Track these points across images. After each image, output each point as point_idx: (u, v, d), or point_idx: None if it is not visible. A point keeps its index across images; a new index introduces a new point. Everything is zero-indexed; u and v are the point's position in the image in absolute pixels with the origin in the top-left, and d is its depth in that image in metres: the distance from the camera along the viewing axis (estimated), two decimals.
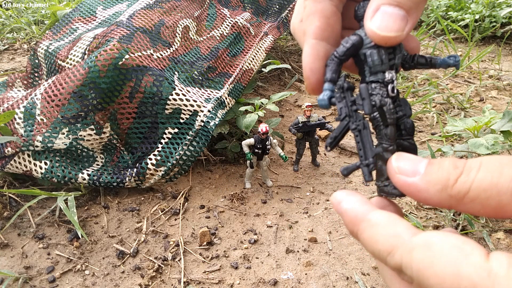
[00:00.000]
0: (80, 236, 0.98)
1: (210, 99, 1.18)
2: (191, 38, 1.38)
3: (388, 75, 0.34)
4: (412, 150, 0.36)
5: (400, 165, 0.30)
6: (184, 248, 0.98)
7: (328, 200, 1.15)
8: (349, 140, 1.42)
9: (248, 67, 1.40)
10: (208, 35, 1.45)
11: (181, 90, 1.14)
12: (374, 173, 0.34)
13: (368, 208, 0.30)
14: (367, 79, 0.35)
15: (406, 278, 0.27)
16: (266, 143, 1.14)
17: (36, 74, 1.43)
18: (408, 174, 0.29)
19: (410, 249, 0.26)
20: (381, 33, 0.31)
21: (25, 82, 1.44)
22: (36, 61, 1.41)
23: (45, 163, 1.08)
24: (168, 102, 1.11)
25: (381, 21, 0.31)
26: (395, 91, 0.34)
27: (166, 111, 1.13)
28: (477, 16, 2.45)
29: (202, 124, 1.11)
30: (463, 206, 0.27)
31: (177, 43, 1.31)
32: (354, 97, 0.35)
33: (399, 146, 0.36)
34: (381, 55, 0.34)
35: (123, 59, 1.07)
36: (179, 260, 0.94)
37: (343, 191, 0.33)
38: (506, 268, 0.23)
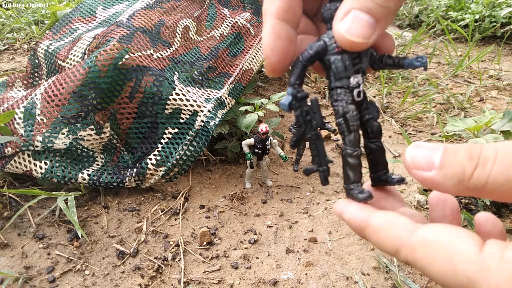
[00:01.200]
0: (80, 236, 0.98)
1: (210, 99, 1.18)
2: (191, 38, 1.38)
3: (353, 80, 0.34)
4: (378, 152, 0.37)
5: (415, 159, 0.30)
6: (184, 248, 0.98)
7: (328, 200, 1.15)
8: None
9: (248, 67, 1.40)
10: (208, 35, 1.45)
11: (181, 90, 1.14)
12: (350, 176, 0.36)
13: (367, 213, 0.32)
14: (332, 84, 0.35)
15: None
16: (266, 143, 1.14)
17: (36, 74, 1.43)
18: (424, 168, 0.29)
19: (411, 249, 0.28)
20: (348, 37, 0.31)
21: (25, 82, 1.44)
22: (36, 61, 1.41)
23: (45, 163, 1.08)
24: (168, 102, 1.11)
25: (349, 25, 0.31)
26: (361, 95, 0.35)
27: (166, 111, 1.13)
28: (477, 16, 2.45)
29: (202, 124, 1.11)
30: (482, 196, 0.28)
31: (177, 43, 1.31)
32: (308, 107, 0.36)
33: (367, 149, 0.37)
34: (345, 61, 0.34)
35: (123, 59, 1.07)
36: (179, 260, 0.94)
37: (343, 201, 0.34)
38: (498, 260, 0.24)
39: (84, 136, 1.10)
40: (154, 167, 1.10)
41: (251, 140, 1.14)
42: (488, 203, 1.06)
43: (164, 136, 1.14)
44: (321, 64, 0.36)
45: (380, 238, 0.30)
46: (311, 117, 0.36)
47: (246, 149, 1.14)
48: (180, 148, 1.11)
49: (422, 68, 0.34)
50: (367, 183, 0.38)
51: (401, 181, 0.37)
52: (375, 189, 0.37)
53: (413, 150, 0.31)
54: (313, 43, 0.34)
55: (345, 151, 0.35)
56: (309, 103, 0.36)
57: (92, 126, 1.10)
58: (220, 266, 0.92)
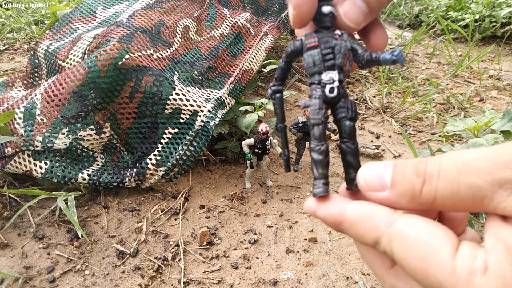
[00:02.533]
0: (80, 236, 0.98)
1: (210, 99, 1.18)
2: (191, 38, 1.38)
3: (325, 76, 0.34)
4: (349, 153, 0.36)
5: (368, 181, 0.30)
6: (184, 248, 0.98)
7: None
8: None
9: (248, 67, 1.40)
10: (208, 35, 1.45)
11: (181, 90, 1.14)
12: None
13: (341, 206, 0.31)
14: (308, 81, 0.36)
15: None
16: (266, 143, 1.14)
17: (36, 74, 1.43)
18: (377, 189, 0.29)
19: (389, 240, 0.27)
20: (345, 20, 0.33)
21: (25, 82, 1.44)
22: (36, 61, 1.41)
23: (45, 163, 1.08)
24: (168, 102, 1.11)
25: (348, 9, 0.33)
26: (335, 92, 0.34)
27: (166, 111, 1.13)
28: (477, 16, 2.45)
29: (202, 124, 1.11)
30: (436, 209, 0.29)
31: (177, 43, 1.31)
32: (276, 98, 0.38)
33: (340, 149, 0.37)
34: (313, 57, 0.34)
35: (123, 59, 1.07)
36: (179, 260, 0.94)
37: (312, 199, 0.33)
38: (468, 271, 0.24)
39: (84, 136, 1.10)
40: (154, 167, 1.10)
41: (251, 140, 1.14)
42: None
43: (164, 136, 1.14)
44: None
45: (358, 231, 0.29)
46: (277, 111, 0.38)
47: (246, 149, 1.14)
48: (180, 148, 1.11)
49: (399, 63, 0.33)
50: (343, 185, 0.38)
51: None
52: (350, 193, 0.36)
53: (365, 170, 0.31)
54: (293, 41, 0.35)
55: (310, 147, 0.35)
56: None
57: (92, 126, 1.10)
58: (220, 266, 0.92)
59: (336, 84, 0.34)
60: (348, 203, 0.31)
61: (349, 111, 0.35)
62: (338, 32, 0.35)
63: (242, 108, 1.24)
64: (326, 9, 0.34)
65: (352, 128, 0.36)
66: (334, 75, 0.34)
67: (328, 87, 0.34)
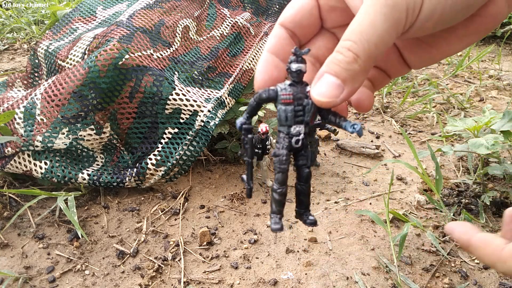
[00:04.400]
0: (80, 236, 0.98)
1: (210, 99, 1.18)
2: (191, 38, 1.38)
3: (293, 130, 0.39)
4: (303, 193, 0.44)
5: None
6: (184, 248, 0.98)
7: (328, 200, 1.15)
8: (348, 140, 1.42)
9: (248, 67, 1.40)
10: (208, 35, 1.45)
11: (181, 90, 1.14)
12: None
13: (469, 235, 0.43)
14: (278, 128, 0.41)
15: None
16: (266, 143, 1.14)
17: (36, 74, 1.43)
18: None
19: (504, 262, 0.39)
20: (319, 98, 0.35)
21: (25, 82, 1.44)
22: (36, 61, 1.41)
23: (45, 163, 1.08)
24: (168, 102, 1.11)
25: (320, 87, 0.35)
26: (300, 143, 0.40)
27: (166, 111, 1.13)
28: None
29: (202, 124, 1.11)
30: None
31: (177, 43, 1.31)
32: (247, 138, 0.42)
33: (296, 188, 0.45)
34: (287, 113, 0.39)
35: (123, 59, 1.07)
36: (179, 260, 0.94)
37: (452, 223, 0.47)
38: None
39: (84, 136, 1.10)
40: (154, 167, 1.10)
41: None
42: (488, 203, 1.06)
43: (164, 136, 1.14)
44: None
45: (480, 255, 0.42)
46: (247, 147, 0.43)
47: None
48: (180, 148, 1.11)
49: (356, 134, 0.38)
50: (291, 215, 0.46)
51: (313, 224, 0.43)
52: None
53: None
54: (269, 88, 0.39)
55: (272, 186, 0.42)
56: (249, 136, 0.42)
57: (92, 126, 1.10)
58: (220, 266, 0.92)
59: (301, 136, 0.40)
60: (475, 233, 0.43)
61: (308, 159, 0.42)
62: (308, 88, 0.38)
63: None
64: (294, 66, 0.38)
65: (309, 174, 0.43)
66: (301, 129, 0.39)
67: (294, 139, 0.40)
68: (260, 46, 1.52)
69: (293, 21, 0.41)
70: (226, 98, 1.23)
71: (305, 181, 0.43)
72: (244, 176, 0.45)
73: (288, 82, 0.39)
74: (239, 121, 0.42)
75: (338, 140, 1.44)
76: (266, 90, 0.39)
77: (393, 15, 0.32)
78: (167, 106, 1.12)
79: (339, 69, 0.34)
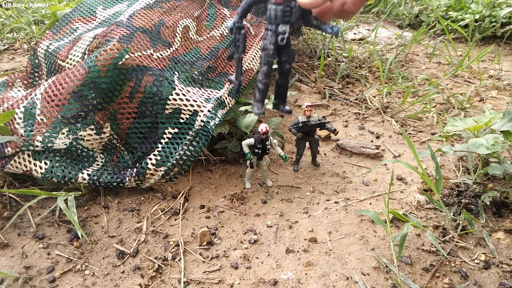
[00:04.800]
0: (80, 236, 0.98)
1: (210, 99, 1.18)
2: (191, 38, 1.38)
3: (280, 28, 0.47)
4: (282, 86, 0.53)
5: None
6: (184, 248, 0.98)
7: (328, 200, 1.15)
8: (348, 140, 1.42)
9: (248, 67, 1.40)
10: (208, 35, 1.45)
11: (181, 90, 1.14)
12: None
13: None
14: (265, 26, 0.48)
15: None
16: (266, 143, 1.14)
17: (36, 74, 1.43)
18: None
19: None
20: (304, 2, 0.46)
21: (25, 82, 1.44)
22: (36, 61, 1.41)
23: (45, 163, 1.08)
24: (168, 102, 1.11)
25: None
26: (285, 41, 0.47)
27: (166, 111, 1.13)
28: (477, 16, 2.45)
29: (202, 124, 1.11)
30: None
31: (177, 43, 1.31)
32: (240, 34, 0.51)
33: (276, 82, 0.52)
34: (277, 12, 0.46)
35: (123, 59, 1.07)
36: (179, 260, 0.94)
37: None
38: None
39: (84, 136, 1.10)
40: (154, 167, 1.10)
41: (251, 140, 1.14)
42: (488, 203, 1.06)
43: (164, 136, 1.14)
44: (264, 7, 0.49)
45: None
46: (239, 44, 0.51)
47: (246, 149, 1.14)
48: (180, 148, 1.11)
49: (334, 35, 0.49)
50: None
51: (289, 112, 0.54)
52: None
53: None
54: None
55: (257, 77, 0.49)
56: (242, 32, 0.51)
57: (92, 126, 1.10)
58: (220, 266, 0.92)
59: (286, 35, 0.47)
60: None
61: (290, 57, 0.49)
62: None
63: (242, 108, 1.24)
64: None
65: (289, 69, 0.51)
66: (287, 28, 0.47)
67: (280, 36, 0.47)
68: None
69: None
70: (226, 98, 1.23)
71: (285, 75, 0.51)
72: (232, 77, 0.54)
73: None
74: (231, 22, 0.51)
75: (338, 140, 1.44)
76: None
77: None
78: (167, 106, 1.12)
79: None
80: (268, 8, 0.46)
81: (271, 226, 1.05)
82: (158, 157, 1.11)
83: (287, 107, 0.53)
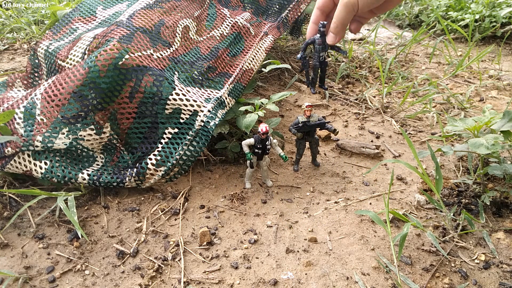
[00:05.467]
0: (80, 236, 0.98)
1: (210, 99, 1.18)
2: (191, 38, 1.38)
3: (322, 54, 1.11)
4: (322, 70, 1.17)
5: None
6: (184, 248, 0.98)
7: (328, 200, 1.15)
8: (348, 140, 1.42)
9: (248, 67, 1.40)
10: (208, 35, 1.45)
11: (181, 90, 1.14)
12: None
13: None
14: (314, 53, 1.11)
15: None
16: (266, 143, 1.14)
17: (36, 74, 1.43)
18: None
19: None
20: (329, 41, 1.01)
21: (25, 82, 1.44)
22: (36, 61, 1.41)
23: (45, 163, 1.08)
24: (168, 102, 1.11)
25: (329, 37, 1.00)
26: (323, 59, 1.12)
27: (166, 111, 1.13)
28: (477, 16, 2.45)
29: (202, 124, 1.11)
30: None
31: (177, 43, 1.31)
32: (305, 60, 1.14)
33: (318, 67, 1.16)
34: (318, 45, 1.08)
35: (123, 59, 1.07)
36: (179, 260, 0.94)
37: None
38: None
39: (84, 136, 1.10)
40: (154, 167, 1.10)
41: (251, 140, 1.14)
42: (488, 203, 1.06)
43: (164, 136, 1.14)
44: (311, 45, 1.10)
45: None
46: (306, 62, 1.15)
47: (246, 149, 1.14)
48: (180, 148, 1.11)
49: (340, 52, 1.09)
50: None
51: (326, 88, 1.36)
52: None
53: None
54: (313, 37, 1.06)
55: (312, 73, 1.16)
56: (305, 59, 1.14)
57: (92, 126, 1.10)
58: (220, 266, 0.92)
59: (324, 55, 1.12)
60: None
61: (325, 65, 1.16)
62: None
63: (242, 108, 1.24)
64: (321, 29, 1.04)
65: (325, 66, 1.17)
66: (324, 53, 1.11)
67: (322, 57, 1.12)
68: (260, 46, 1.52)
69: (320, 6, 1.00)
70: (226, 98, 1.23)
71: (323, 71, 1.17)
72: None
73: (318, 35, 1.05)
74: (299, 55, 1.12)
75: (338, 140, 1.44)
76: (311, 38, 1.06)
77: (348, 8, 0.89)
78: (167, 106, 1.12)
79: (333, 29, 0.95)
80: (315, 44, 1.07)
81: (271, 226, 1.05)
82: (158, 157, 1.11)
83: (325, 86, 1.18)
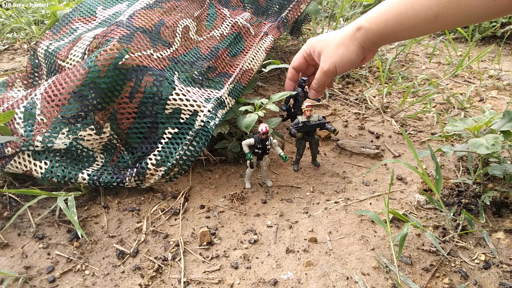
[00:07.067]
0: (80, 236, 0.98)
1: (210, 99, 1.18)
2: (191, 38, 1.39)
3: (303, 106, 1.19)
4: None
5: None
6: (184, 248, 0.98)
7: (328, 200, 1.15)
8: (348, 140, 1.42)
9: (248, 67, 1.40)
10: (208, 35, 1.45)
11: (181, 90, 1.14)
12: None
13: None
14: (298, 104, 1.30)
15: None
16: (266, 143, 1.14)
17: (36, 74, 1.43)
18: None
19: None
20: (311, 97, 1.21)
21: (25, 82, 1.44)
22: (36, 61, 1.41)
23: (45, 163, 1.08)
24: (168, 102, 1.11)
25: (310, 93, 1.21)
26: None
27: (166, 111, 1.13)
28: None
29: (202, 124, 1.11)
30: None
31: (177, 43, 1.31)
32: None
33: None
34: (301, 98, 1.27)
35: (123, 59, 1.07)
36: (179, 260, 0.94)
37: None
38: None
39: (84, 136, 1.10)
40: (154, 167, 1.10)
41: (251, 140, 1.14)
42: (488, 203, 1.06)
43: (164, 136, 1.14)
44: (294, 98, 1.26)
45: None
46: (290, 111, 1.32)
47: (246, 149, 1.14)
48: (180, 148, 1.11)
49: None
50: None
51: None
52: None
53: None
54: (296, 91, 1.26)
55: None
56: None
57: (92, 126, 1.10)
58: (220, 266, 0.92)
59: (305, 105, 1.20)
60: None
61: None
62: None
63: (242, 108, 1.24)
64: (302, 84, 1.29)
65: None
66: (305, 104, 1.20)
67: (304, 108, 1.20)
68: (260, 46, 1.52)
69: (296, 66, 1.21)
70: (226, 98, 1.23)
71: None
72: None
73: (299, 89, 1.25)
74: (283, 107, 1.31)
75: (338, 140, 1.44)
76: (296, 91, 1.25)
77: (327, 74, 1.08)
78: (167, 106, 1.12)
79: (316, 87, 1.15)
80: (297, 97, 1.25)
81: (271, 226, 1.05)
82: (158, 157, 1.11)
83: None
